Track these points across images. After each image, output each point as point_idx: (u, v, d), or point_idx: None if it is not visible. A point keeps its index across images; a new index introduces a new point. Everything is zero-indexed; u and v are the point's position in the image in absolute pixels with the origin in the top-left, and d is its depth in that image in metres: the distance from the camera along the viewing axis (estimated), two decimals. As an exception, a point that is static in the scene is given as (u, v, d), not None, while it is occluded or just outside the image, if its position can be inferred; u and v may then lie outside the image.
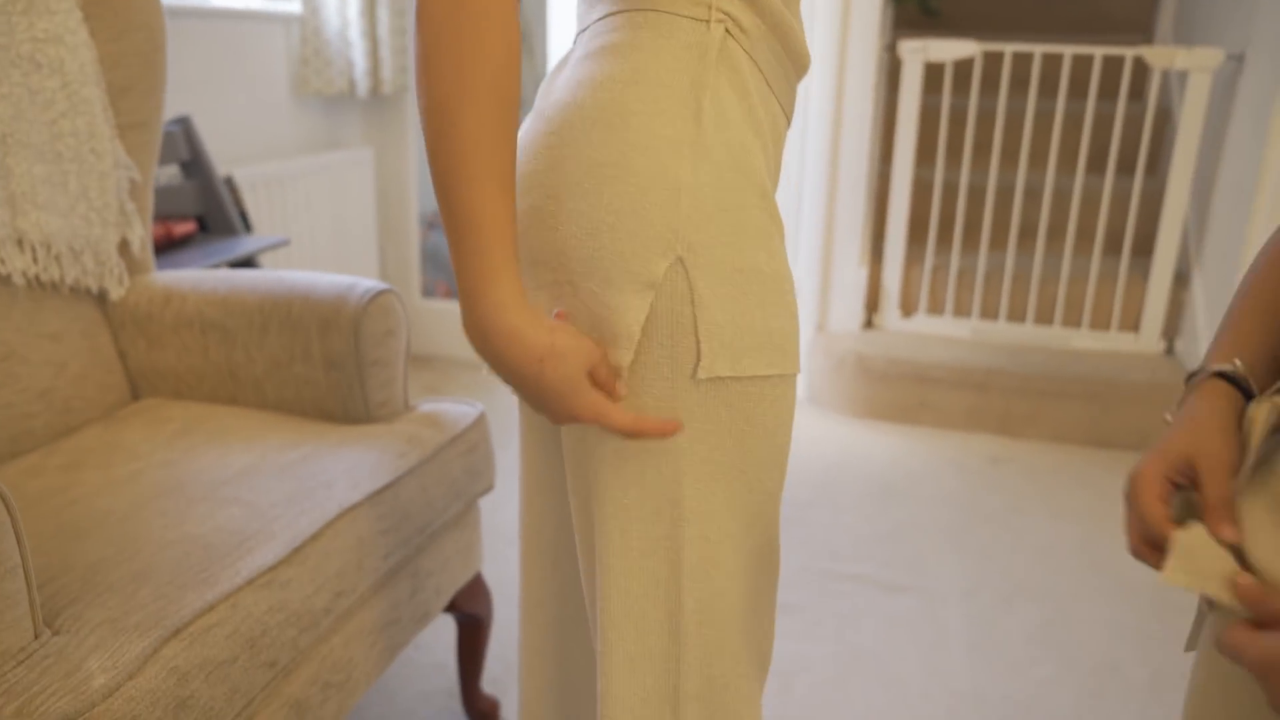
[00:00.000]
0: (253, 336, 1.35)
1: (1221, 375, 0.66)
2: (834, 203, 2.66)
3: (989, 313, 2.79)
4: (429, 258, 3.14)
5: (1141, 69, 3.28)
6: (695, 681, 0.77)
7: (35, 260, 1.32)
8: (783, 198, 2.68)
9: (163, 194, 1.95)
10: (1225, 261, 2.45)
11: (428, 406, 1.37)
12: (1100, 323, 2.74)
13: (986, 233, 2.72)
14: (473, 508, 1.38)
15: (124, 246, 1.44)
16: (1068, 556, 1.96)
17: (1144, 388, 2.47)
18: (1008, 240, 2.96)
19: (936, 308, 2.82)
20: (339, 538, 1.06)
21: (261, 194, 2.36)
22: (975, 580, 1.87)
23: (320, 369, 1.33)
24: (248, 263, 1.99)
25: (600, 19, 0.73)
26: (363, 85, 2.64)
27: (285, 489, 1.10)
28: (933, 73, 3.26)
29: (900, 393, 2.60)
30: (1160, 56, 2.49)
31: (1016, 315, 2.78)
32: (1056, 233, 2.95)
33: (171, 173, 2.08)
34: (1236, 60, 2.50)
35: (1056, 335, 2.73)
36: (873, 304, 2.88)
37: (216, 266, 1.88)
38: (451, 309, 3.04)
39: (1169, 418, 0.67)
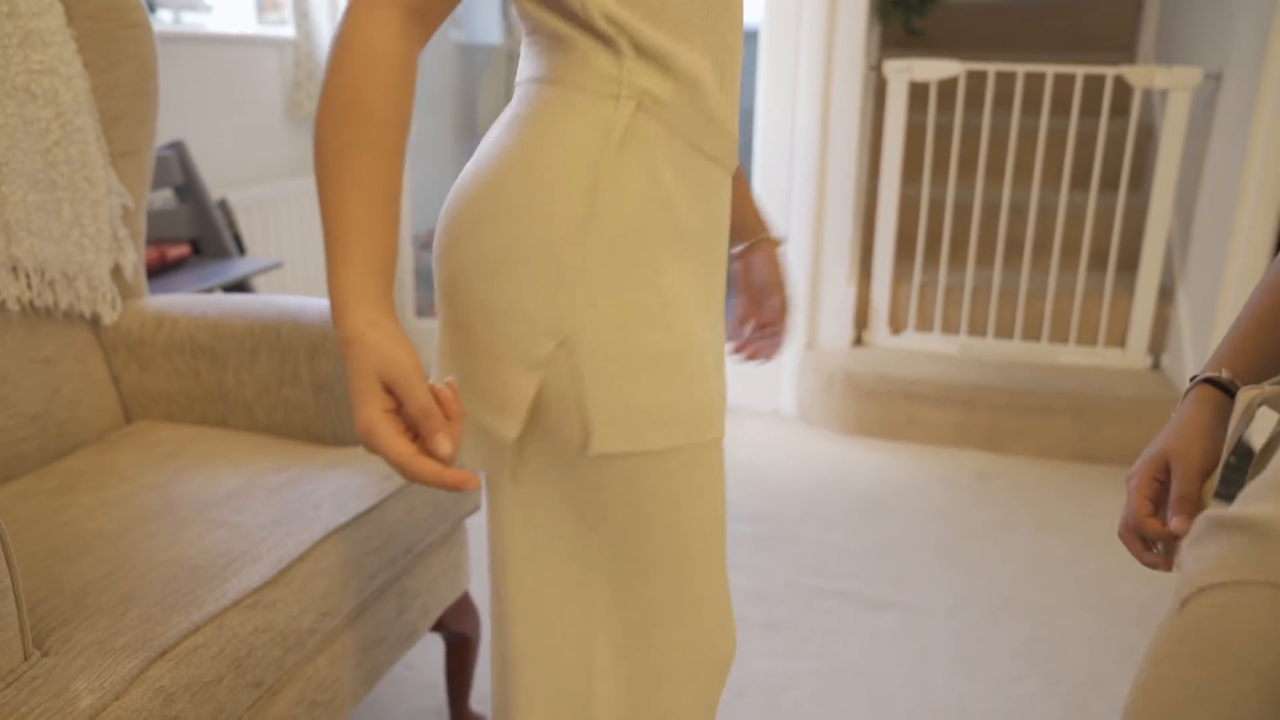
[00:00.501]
0: (243, 360, 1.37)
1: (1209, 381, 0.71)
2: (821, 221, 2.69)
3: (977, 329, 2.82)
4: (422, 278, 3.16)
5: (1123, 87, 3.33)
6: None
7: (30, 286, 1.34)
8: (770, 217, 2.72)
9: (157, 218, 1.98)
10: (1208, 277, 2.48)
11: (415, 428, 1.39)
12: (1087, 338, 2.77)
13: (973, 249, 2.75)
14: (459, 528, 1.40)
15: (117, 272, 1.46)
16: (1053, 571, 1.98)
17: (1130, 403, 2.50)
18: (994, 256, 2.99)
19: (925, 324, 2.85)
20: (325, 559, 1.08)
21: (255, 216, 2.39)
22: (961, 596, 1.88)
23: (309, 392, 1.35)
24: (241, 285, 2.01)
25: (520, 84, 0.76)
26: (356, 108, 2.67)
27: (273, 511, 1.12)
28: (918, 91, 3.30)
29: (889, 409, 2.63)
30: (1140, 76, 2.53)
31: (1004, 331, 2.81)
32: (1042, 249, 2.98)
33: (166, 197, 2.10)
34: (1215, 79, 2.54)
35: (1044, 351, 2.76)
36: (861, 321, 2.90)
37: (209, 290, 1.91)
38: (445, 328, 3.06)
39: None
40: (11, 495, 1.18)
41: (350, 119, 0.65)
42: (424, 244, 3.28)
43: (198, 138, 2.31)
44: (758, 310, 1.03)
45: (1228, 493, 1.66)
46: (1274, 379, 0.67)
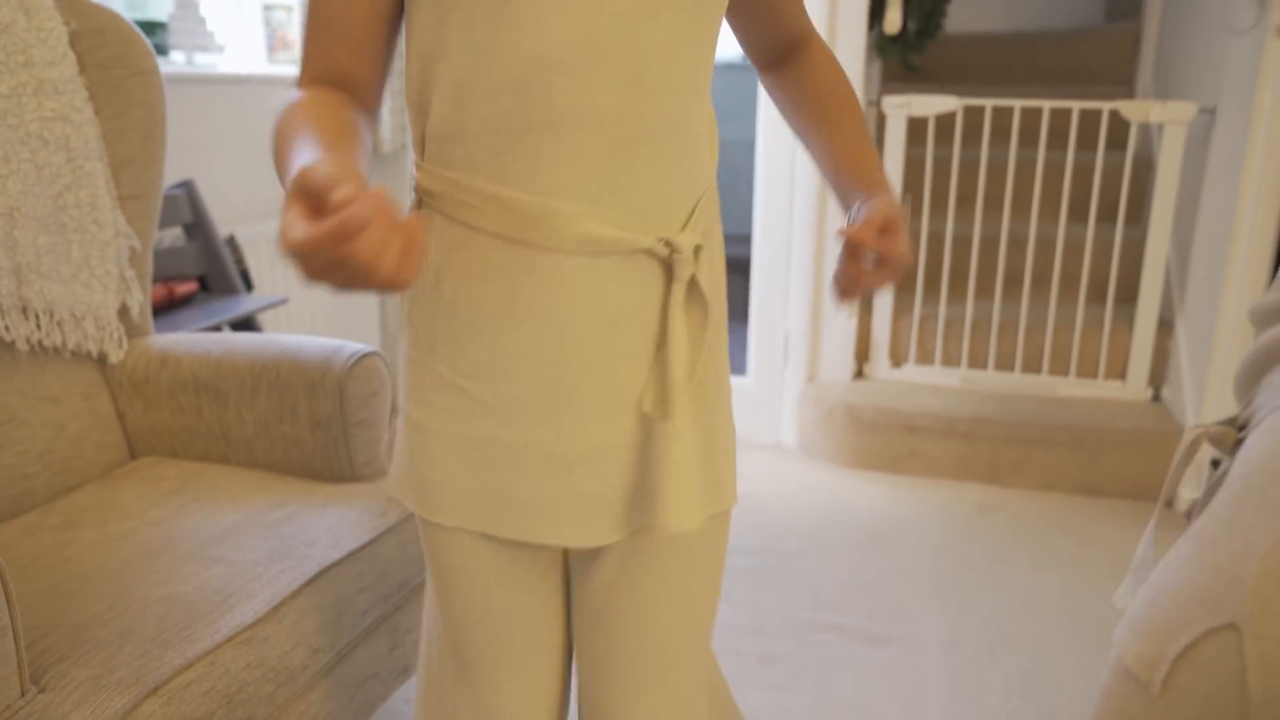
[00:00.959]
0: (244, 398, 1.41)
1: None
2: (822, 255, 2.72)
3: (977, 361, 2.84)
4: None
5: (1120, 120, 3.35)
6: None
7: (39, 327, 1.38)
8: (772, 252, 2.75)
9: (166, 255, 2.03)
10: (1206, 310, 2.49)
11: (411, 464, 1.42)
12: (1087, 370, 2.78)
13: (972, 282, 2.77)
14: (455, 562, 1.42)
15: (123, 311, 1.50)
16: (1050, 605, 1.98)
17: (1131, 435, 2.50)
18: (994, 289, 3.01)
19: (925, 357, 2.87)
20: (318, 595, 1.10)
21: (263, 251, 2.44)
22: (957, 630, 1.89)
23: (307, 429, 1.38)
24: (247, 322, 2.05)
25: None
26: (363, 146, 2.72)
27: (268, 547, 1.15)
28: (916, 126, 3.34)
29: (890, 442, 2.64)
30: (1136, 110, 2.55)
31: (1004, 363, 2.82)
32: (1041, 281, 3.00)
33: (175, 234, 2.15)
34: (1209, 114, 2.56)
35: (1044, 383, 2.77)
36: (862, 354, 2.92)
37: (216, 326, 1.95)
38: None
39: None
40: (17, 531, 1.21)
41: (284, 128, 0.68)
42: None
43: (208, 174, 2.36)
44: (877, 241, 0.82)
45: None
46: (1219, 419, 0.69)
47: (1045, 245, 2.99)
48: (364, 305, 2.90)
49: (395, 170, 2.96)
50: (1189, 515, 0.72)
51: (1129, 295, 3.00)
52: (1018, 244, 3.03)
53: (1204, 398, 2.43)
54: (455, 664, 0.87)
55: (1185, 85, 2.97)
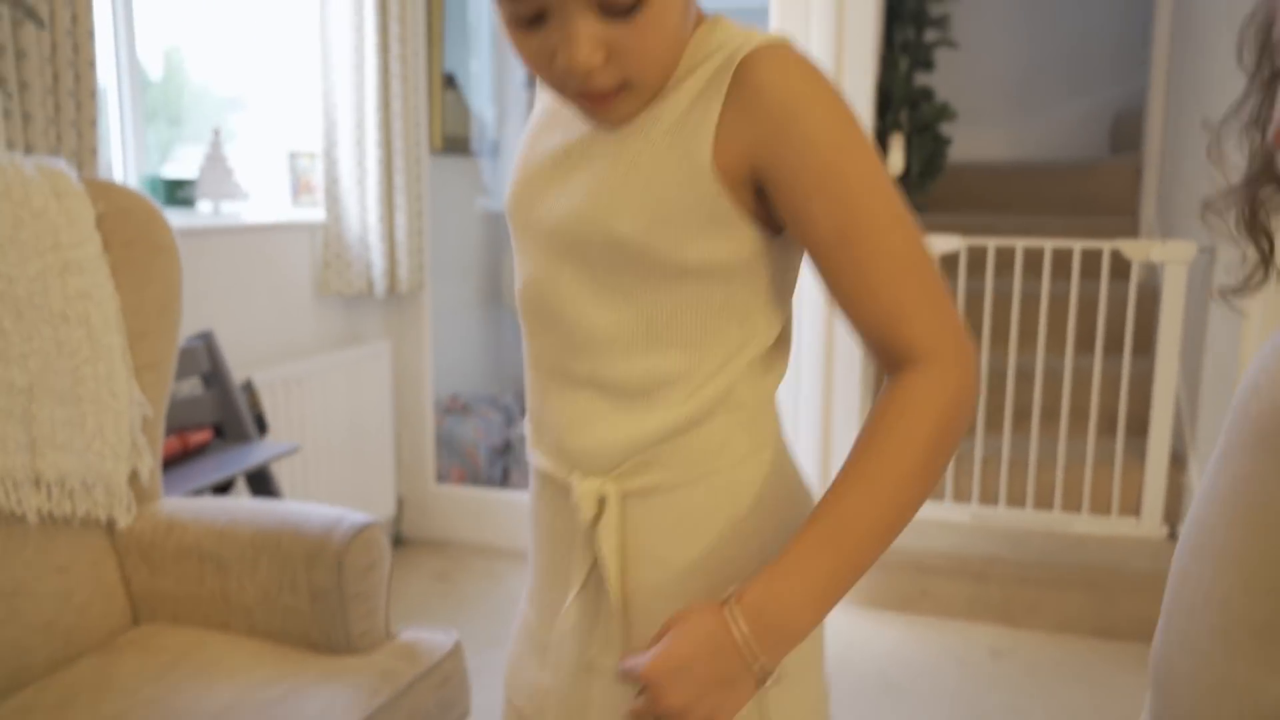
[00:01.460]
0: (245, 567, 1.43)
1: None
2: (831, 392, 2.75)
3: (989, 497, 2.82)
4: (444, 443, 3.24)
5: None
6: None
7: (50, 498, 1.42)
8: (781, 393, 2.77)
9: (182, 406, 2.08)
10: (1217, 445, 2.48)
11: (407, 635, 1.43)
12: (1100, 507, 2.75)
13: (981, 416, 2.78)
14: (449, 736, 1.41)
15: (134, 477, 1.54)
16: (1066, 764, 1.92)
17: (1147, 576, 2.47)
18: (1003, 423, 3.01)
19: (936, 492, 2.86)
20: (305, 786, 1.10)
21: (280, 394, 2.49)
22: (969, 792, 1.84)
23: (306, 599, 1.40)
24: (260, 472, 2.09)
25: None
26: (380, 285, 2.81)
27: (259, 734, 1.15)
28: (925, 260, 3.38)
29: (901, 581, 2.61)
30: (1137, 250, 2.60)
31: (1016, 499, 2.80)
32: (1050, 415, 3.00)
33: (193, 382, 2.21)
34: (1208, 252, 2.60)
35: (1057, 520, 2.74)
36: (874, 487, 2.91)
37: (230, 478, 1.99)
38: (464, 494, 3.12)
39: None
40: (12, 711, 1.22)
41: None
42: (445, 409, 3.37)
43: (228, 319, 2.44)
44: None
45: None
46: None
47: (1053, 378, 3.00)
48: (381, 435, 2.94)
49: (411, 309, 3.03)
50: None
51: (1139, 428, 2.99)
52: (1025, 377, 3.04)
53: (1219, 539, 2.40)
54: None
55: (1187, 220, 3.02)
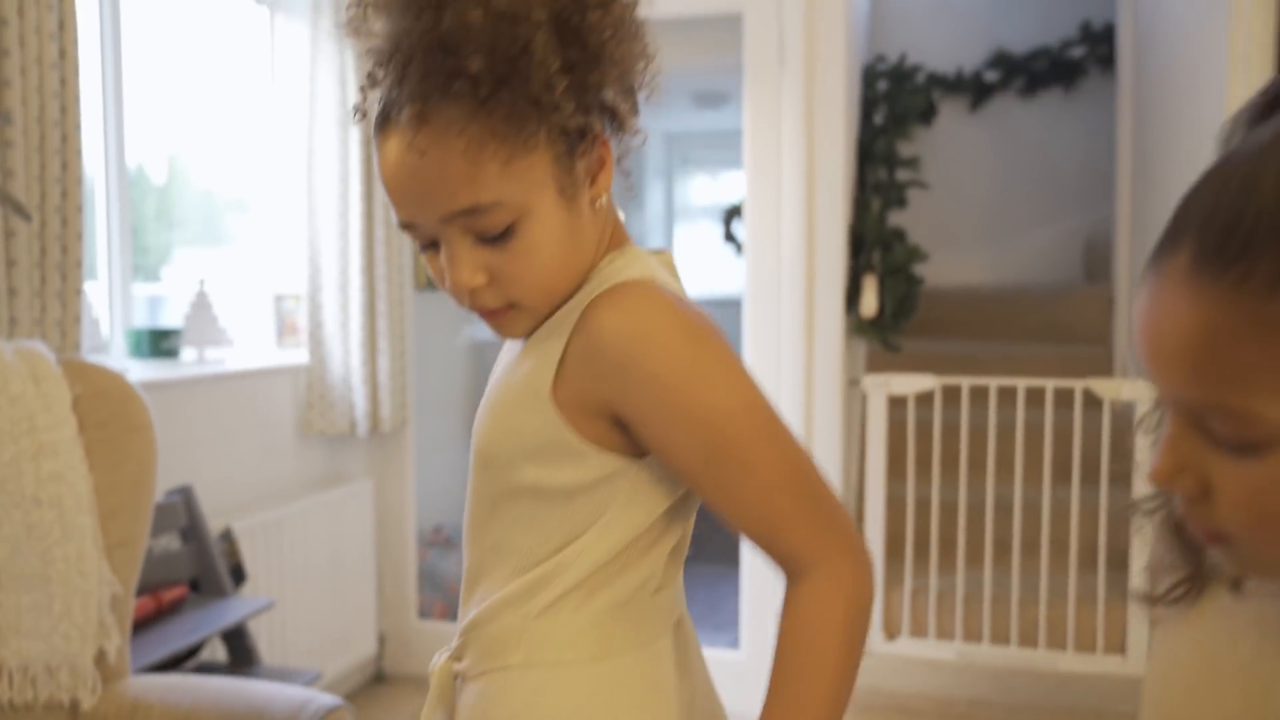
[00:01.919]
0: (207, 755, 1.42)
1: None
2: (811, 421, 2.75)
3: (972, 634, 2.80)
4: (426, 578, 3.22)
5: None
6: None
7: (11, 685, 1.42)
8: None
9: (158, 563, 2.08)
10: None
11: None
12: (1085, 644, 2.73)
13: (962, 550, 2.78)
14: None
15: (100, 656, 1.54)
16: None
17: (1133, 718, 2.43)
18: (984, 556, 3.01)
19: (919, 630, 2.84)
20: None
21: (259, 541, 2.49)
22: None
23: (268, 790, 1.38)
24: (236, 630, 2.08)
25: None
26: (363, 425, 2.83)
27: None
28: (897, 400, 3.43)
29: (885, 725, 2.57)
30: (1109, 389, 2.64)
31: (1000, 636, 2.78)
32: (1031, 547, 3.00)
33: (170, 537, 2.22)
34: (1179, 392, 2.64)
35: (1042, 658, 2.72)
36: (857, 623, 2.89)
37: (204, 640, 1.97)
38: (447, 629, 3.08)
39: None
40: None
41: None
42: (428, 541, 3.36)
43: (210, 465, 2.45)
44: None
45: None
46: None
47: (1031, 510, 3.01)
48: (363, 572, 2.92)
49: (393, 448, 3.04)
50: None
51: (1120, 561, 2.98)
52: (1004, 509, 3.05)
53: (1204, 681, 2.38)
54: None
55: (1156, 352, 3.07)
